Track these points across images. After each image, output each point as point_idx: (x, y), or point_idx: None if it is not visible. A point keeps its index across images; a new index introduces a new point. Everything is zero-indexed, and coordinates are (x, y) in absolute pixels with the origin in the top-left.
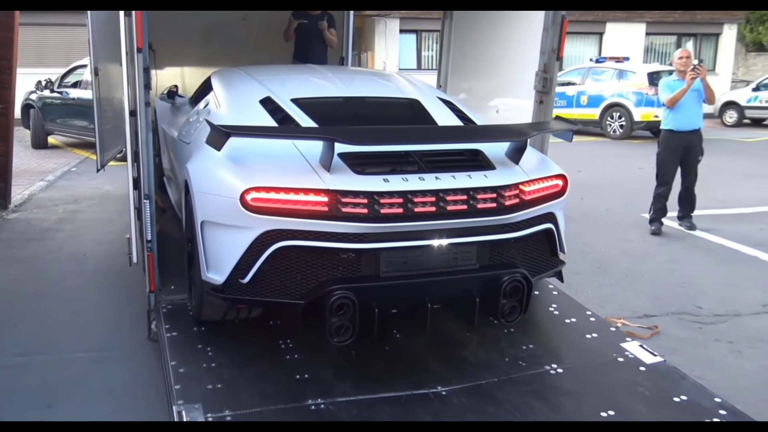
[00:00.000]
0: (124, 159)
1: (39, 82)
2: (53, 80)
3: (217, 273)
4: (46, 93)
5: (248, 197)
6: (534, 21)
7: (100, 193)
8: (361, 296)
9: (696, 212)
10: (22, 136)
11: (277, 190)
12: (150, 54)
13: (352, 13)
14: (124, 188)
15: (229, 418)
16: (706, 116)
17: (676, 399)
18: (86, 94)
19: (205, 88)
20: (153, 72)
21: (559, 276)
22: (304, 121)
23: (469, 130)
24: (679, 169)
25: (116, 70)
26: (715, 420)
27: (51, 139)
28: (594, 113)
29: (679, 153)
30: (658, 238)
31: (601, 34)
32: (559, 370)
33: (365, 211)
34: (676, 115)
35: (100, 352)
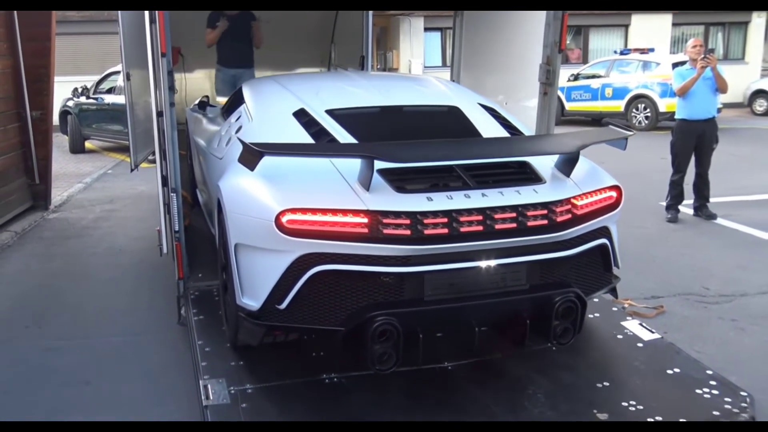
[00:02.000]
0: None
1: (75, 89)
2: (89, 87)
3: (252, 298)
4: (82, 99)
5: (284, 219)
6: (538, 17)
7: (135, 193)
8: (405, 322)
9: (714, 199)
10: (60, 141)
11: (314, 211)
12: (179, 58)
13: (371, 12)
14: (156, 188)
15: (250, 391)
16: (735, 105)
17: (669, 371)
18: (120, 99)
19: (237, 99)
20: (182, 75)
21: (614, 292)
22: (340, 133)
23: (517, 142)
24: (693, 157)
25: (145, 75)
26: (706, 392)
27: (88, 144)
28: (619, 105)
29: (693, 141)
30: (674, 225)
31: (626, 26)
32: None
33: (408, 232)
34: (689, 104)
35: (133, 336)
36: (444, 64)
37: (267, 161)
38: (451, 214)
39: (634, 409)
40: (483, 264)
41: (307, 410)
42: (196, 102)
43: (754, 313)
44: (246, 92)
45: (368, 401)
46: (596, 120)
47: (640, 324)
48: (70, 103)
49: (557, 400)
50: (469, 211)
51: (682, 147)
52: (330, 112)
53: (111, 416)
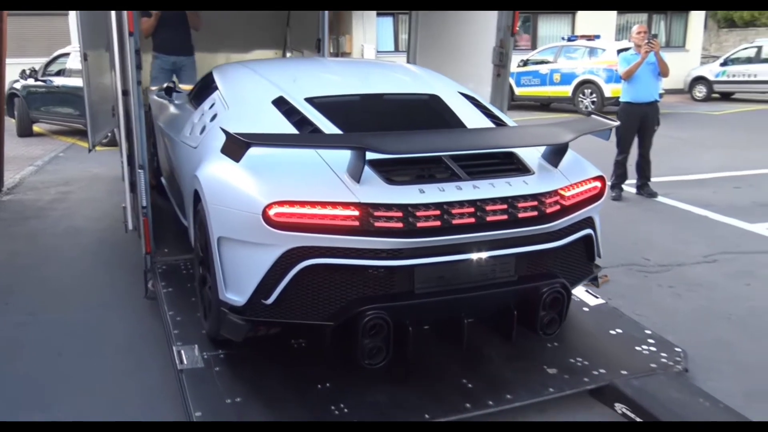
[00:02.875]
0: (110, 144)
1: (23, 71)
2: (37, 69)
3: (237, 293)
4: (30, 82)
5: (271, 212)
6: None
7: (90, 176)
8: (395, 315)
9: (656, 179)
10: (6, 125)
11: (303, 204)
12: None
13: None
14: (112, 171)
15: (222, 356)
16: (676, 92)
17: (612, 332)
18: (70, 81)
19: (207, 85)
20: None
21: (595, 281)
22: (322, 123)
23: (508, 133)
24: (636, 139)
25: (104, 56)
26: (644, 348)
27: (36, 128)
28: (567, 90)
29: (637, 123)
30: (618, 203)
31: (573, 13)
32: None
33: (400, 225)
34: (634, 88)
35: (102, 310)
36: (397, 49)
37: (251, 151)
38: (443, 207)
39: (580, 364)
40: (474, 256)
41: (279, 374)
42: (162, 87)
43: (690, 280)
44: (218, 79)
45: (337, 364)
46: (545, 105)
47: (587, 291)
48: (18, 86)
49: (512, 359)
50: (461, 203)
51: (626, 128)
52: (309, 101)
53: (86, 385)
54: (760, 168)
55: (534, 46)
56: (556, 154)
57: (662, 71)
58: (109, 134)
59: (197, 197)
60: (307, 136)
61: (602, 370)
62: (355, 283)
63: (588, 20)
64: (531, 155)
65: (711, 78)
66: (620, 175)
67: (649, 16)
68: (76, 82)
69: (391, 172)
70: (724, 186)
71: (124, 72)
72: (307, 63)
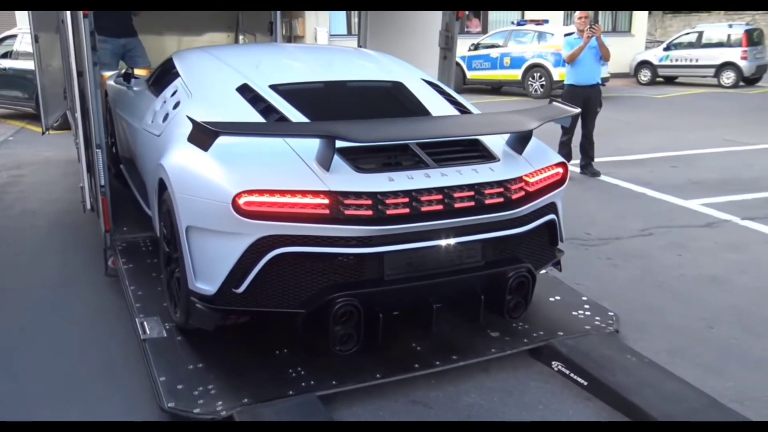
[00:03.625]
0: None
1: None
2: None
3: (207, 283)
4: None
5: (241, 201)
6: None
7: (41, 159)
8: (366, 302)
9: (599, 159)
10: None
11: (273, 192)
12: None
13: None
14: (64, 154)
15: (177, 314)
16: (622, 76)
17: (551, 299)
18: (18, 64)
19: (167, 71)
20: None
21: (558, 265)
22: (288, 111)
23: (476, 121)
24: (579, 120)
25: (55, 38)
26: (580, 313)
27: None
28: (516, 74)
29: (580, 105)
30: None
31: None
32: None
33: (369, 212)
34: (576, 71)
35: (63, 287)
36: (350, 33)
37: (219, 140)
38: (411, 194)
39: (521, 327)
40: (442, 243)
41: (239, 343)
42: (120, 73)
43: (627, 253)
44: (179, 65)
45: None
46: (496, 88)
47: None
48: None
49: (458, 325)
50: (429, 191)
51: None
52: (274, 88)
53: (51, 358)
54: (696, 148)
55: (485, 31)
56: (520, 142)
57: (603, 55)
58: (60, 118)
59: (162, 186)
60: (276, 125)
61: (541, 332)
62: (325, 270)
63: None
64: (496, 142)
65: (655, 62)
66: (564, 155)
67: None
68: (24, 64)
69: (360, 160)
70: (662, 165)
71: (79, 53)
72: (269, 48)
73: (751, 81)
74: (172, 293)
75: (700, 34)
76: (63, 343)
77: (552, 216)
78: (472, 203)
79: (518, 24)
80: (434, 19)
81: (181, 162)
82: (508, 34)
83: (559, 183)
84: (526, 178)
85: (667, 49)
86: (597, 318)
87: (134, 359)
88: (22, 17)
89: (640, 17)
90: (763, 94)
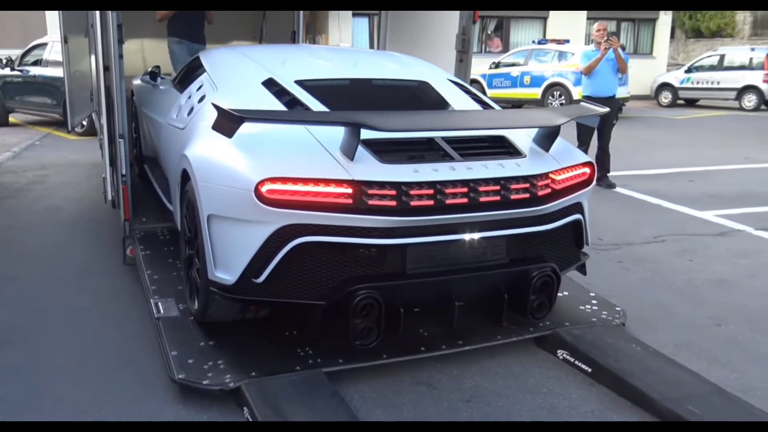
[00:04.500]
0: (86, 134)
1: (0, 61)
2: (13, 59)
3: (227, 272)
4: (7, 71)
5: (264, 189)
6: None
7: (67, 162)
8: (387, 295)
9: (615, 173)
10: None
11: (296, 180)
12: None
13: None
14: (89, 157)
15: (196, 305)
16: (643, 98)
17: (559, 294)
18: (47, 71)
19: (194, 69)
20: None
21: (583, 269)
22: (312, 104)
23: (503, 114)
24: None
25: (83, 42)
26: (587, 307)
27: (11, 119)
28: (536, 92)
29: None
30: None
31: (545, 18)
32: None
33: (393, 203)
34: (594, 83)
35: (81, 273)
36: (371, 47)
37: (242, 130)
38: (436, 186)
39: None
40: (466, 237)
41: (251, 325)
42: (147, 72)
43: (638, 257)
44: (205, 62)
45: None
46: (516, 106)
47: None
48: None
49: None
50: (455, 183)
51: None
52: (300, 83)
53: (68, 334)
54: (714, 165)
55: (506, 50)
56: (547, 139)
57: (620, 67)
58: (85, 123)
59: (185, 177)
60: (300, 112)
61: (547, 323)
62: (346, 262)
63: (558, 26)
64: (522, 139)
65: (676, 84)
66: None
67: (617, 24)
68: (53, 71)
69: (384, 153)
70: (679, 180)
71: (106, 47)
72: (296, 48)
73: None
74: (191, 286)
75: (722, 56)
76: (80, 323)
77: (578, 216)
78: (498, 198)
79: (539, 43)
80: (451, 23)
81: (205, 152)
82: (528, 53)
83: (585, 183)
84: (553, 176)
85: (688, 71)
86: (604, 312)
87: (148, 338)
88: (53, 25)
89: (662, 39)
90: None
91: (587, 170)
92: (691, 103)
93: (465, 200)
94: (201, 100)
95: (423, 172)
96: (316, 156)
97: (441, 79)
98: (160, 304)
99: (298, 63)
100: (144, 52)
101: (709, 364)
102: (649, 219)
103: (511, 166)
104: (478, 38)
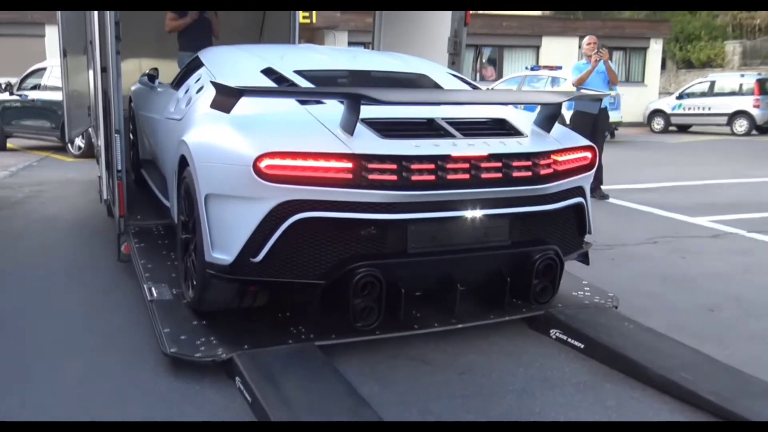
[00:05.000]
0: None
1: None
2: (12, 83)
3: (224, 251)
4: (5, 96)
5: (262, 165)
6: None
7: (64, 179)
8: (388, 274)
9: (609, 186)
10: None
11: (295, 155)
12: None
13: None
14: (85, 176)
15: (191, 292)
16: (636, 125)
17: None
18: (45, 95)
19: (193, 68)
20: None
21: (586, 258)
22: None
23: (502, 93)
24: None
25: (82, 60)
26: (580, 293)
27: (9, 144)
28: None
29: (589, 128)
30: None
31: (537, 47)
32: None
33: (394, 177)
34: None
35: (78, 267)
36: None
37: (240, 111)
38: (437, 162)
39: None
40: (468, 214)
41: (245, 308)
42: (145, 73)
43: (631, 255)
44: (205, 58)
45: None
46: None
47: None
48: None
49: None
50: (456, 159)
51: (579, 134)
52: (298, 72)
53: (61, 321)
54: (708, 179)
55: (500, 78)
56: (548, 121)
57: (611, 79)
58: (83, 145)
59: (183, 164)
60: (300, 87)
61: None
62: (347, 240)
63: (551, 54)
64: (523, 122)
65: (668, 111)
66: None
67: (609, 52)
68: (52, 95)
69: (385, 130)
70: (672, 192)
71: (103, 45)
72: (294, 46)
73: (764, 130)
74: (186, 274)
75: (713, 83)
76: (73, 310)
77: (580, 199)
78: (500, 175)
79: (532, 69)
80: (443, 26)
81: (203, 135)
82: (522, 79)
83: (587, 167)
84: (555, 157)
85: (679, 97)
86: (597, 297)
87: (143, 321)
88: (52, 50)
89: (653, 68)
90: None
91: (589, 154)
92: (683, 129)
93: (466, 176)
94: (199, 91)
95: (424, 147)
96: (315, 132)
97: (441, 72)
98: (153, 288)
99: (297, 56)
100: (142, 72)
101: (701, 341)
102: (641, 224)
103: (512, 144)
104: (472, 67)
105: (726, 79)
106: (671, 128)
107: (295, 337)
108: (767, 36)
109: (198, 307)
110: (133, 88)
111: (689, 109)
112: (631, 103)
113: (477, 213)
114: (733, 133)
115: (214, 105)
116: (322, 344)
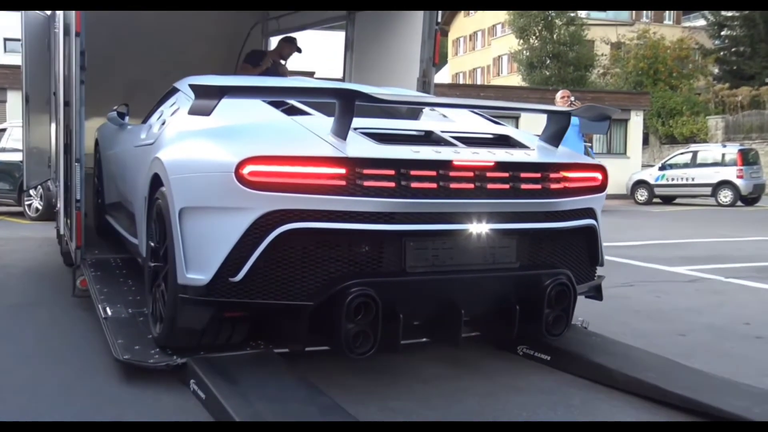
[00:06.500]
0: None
1: None
2: None
3: (199, 271)
4: None
5: (245, 171)
6: (416, 38)
7: (19, 237)
8: (384, 295)
9: None
10: None
11: (281, 160)
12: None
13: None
14: (41, 234)
15: (146, 310)
16: (619, 197)
17: None
18: (4, 157)
19: (166, 97)
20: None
21: (599, 293)
22: (312, 111)
23: (504, 102)
24: None
25: (44, 116)
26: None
27: None
28: None
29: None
30: None
31: (517, 118)
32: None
33: (392, 184)
34: None
35: (31, 305)
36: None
37: (221, 121)
38: (439, 168)
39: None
40: (472, 229)
41: None
42: (113, 109)
43: (606, 294)
44: (179, 85)
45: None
46: None
47: None
48: None
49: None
50: (459, 167)
51: None
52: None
53: (15, 341)
54: (690, 238)
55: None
56: (556, 135)
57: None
58: (40, 207)
59: (155, 185)
60: (288, 87)
61: None
62: (338, 257)
63: (530, 124)
64: (528, 139)
65: (651, 182)
66: None
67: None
68: (10, 157)
69: (381, 139)
70: (653, 248)
71: (67, 81)
72: (285, 78)
73: (749, 201)
74: (155, 309)
75: (695, 153)
76: (24, 334)
77: (592, 221)
78: (507, 186)
79: None
80: (411, 67)
81: (178, 148)
82: None
83: (598, 189)
84: (564, 172)
85: (662, 168)
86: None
87: (97, 340)
88: (13, 111)
89: (635, 140)
90: (763, 211)
91: (599, 175)
92: (667, 200)
93: (471, 185)
94: (174, 113)
95: (424, 153)
96: (304, 138)
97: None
98: (108, 308)
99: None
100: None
101: (672, 357)
102: (619, 272)
103: (520, 154)
104: None
105: (708, 151)
106: (655, 200)
107: (253, 348)
108: (750, 111)
109: (167, 342)
110: (99, 127)
111: (673, 179)
112: (614, 175)
113: (482, 228)
114: (719, 204)
115: (193, 110)
116: (281, 351)
